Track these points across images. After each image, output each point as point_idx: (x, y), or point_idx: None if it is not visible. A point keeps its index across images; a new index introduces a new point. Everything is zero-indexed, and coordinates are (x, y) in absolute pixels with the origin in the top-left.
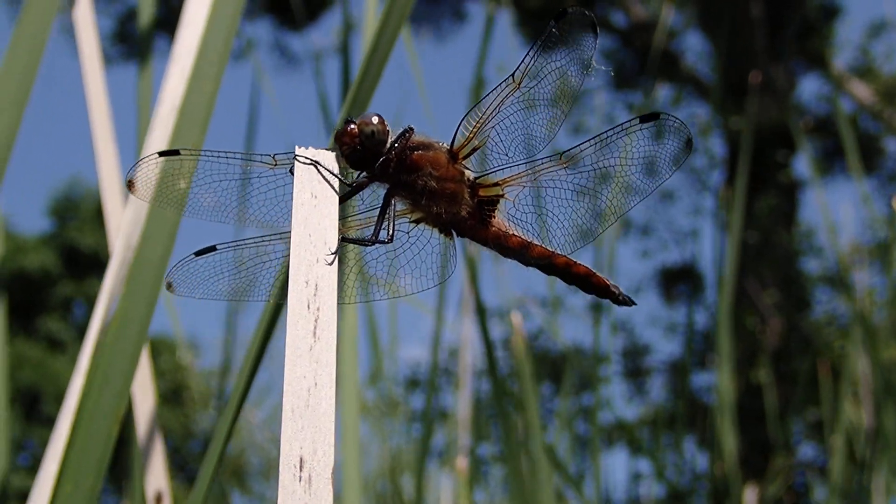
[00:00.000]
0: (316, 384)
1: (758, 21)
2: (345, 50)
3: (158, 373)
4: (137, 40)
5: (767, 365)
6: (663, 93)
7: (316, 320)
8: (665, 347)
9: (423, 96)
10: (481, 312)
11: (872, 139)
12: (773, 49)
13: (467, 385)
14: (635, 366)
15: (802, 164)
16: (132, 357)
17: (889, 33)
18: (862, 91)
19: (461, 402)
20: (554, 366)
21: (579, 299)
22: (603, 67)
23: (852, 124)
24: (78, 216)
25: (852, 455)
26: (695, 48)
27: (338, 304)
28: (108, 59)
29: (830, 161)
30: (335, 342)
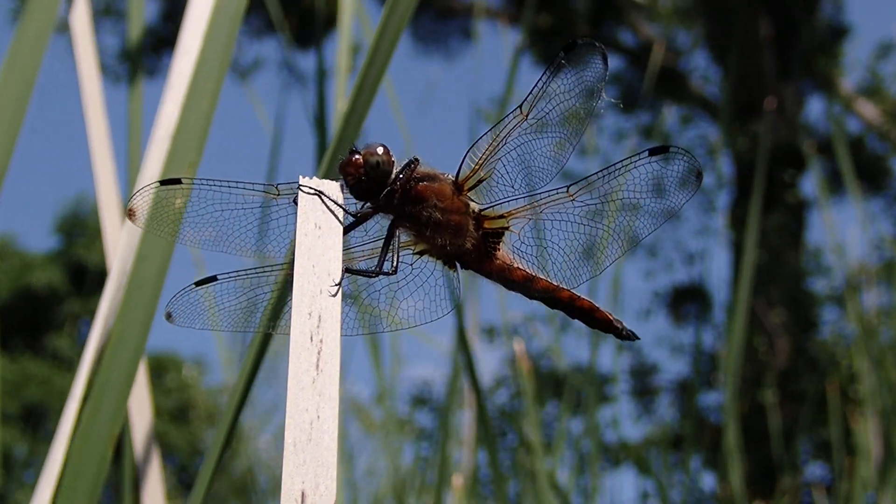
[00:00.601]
0: (318, 417)
1: (766, 41)
2: (320, 82)
3: (165, 390)
4: (131, 59)
5: (774, 385)
6: (672, 112)
7: (319, 352)
8: (672, 367)
9: (405, 133)
10: (468, 353)
11: (880, 159)
12: (782, 69)
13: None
14: (643, 385)
15: (810, 183)
16: (127, 378)
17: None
18: (870, 111)
19: (465, 422)
20: (559, 384)
21: None
22: (613, 99)
23: (859, 144)
24: (85, 233)
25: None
26: (703, 68)
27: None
28: (117, 77)
29: (838, 181)
30: (338, 375)
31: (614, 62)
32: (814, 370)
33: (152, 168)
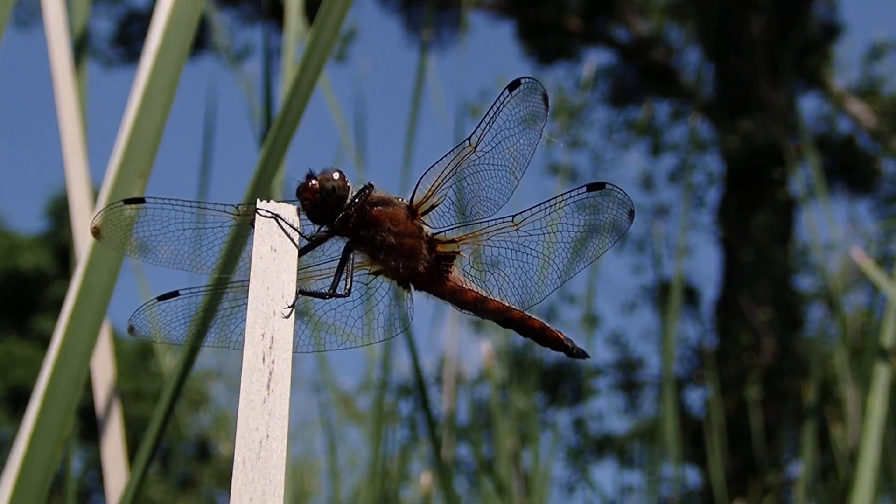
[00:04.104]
0: (268, 436)
1: (759, 39)
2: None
3: (150, 375)
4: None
5: (759, 383)
6: (662, 109)
7: (270, 373)
8: (658, 361)
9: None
10: (416, 362)
11: (871, 159)
12: (774, 67)
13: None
14: (628, 379)
15: (799, 181)
16: (76, 380)
17: (889, 55)
18: (861, 111)
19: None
20: (545, 377)
21: (574, 311)
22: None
23: (850, 144)
24: None
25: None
26: (695, 64)
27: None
28: (108, 62)
29: (829, 180)
30: (289, 395)
31: (607, 57)
32: (798, 369)
33: (110, 178)
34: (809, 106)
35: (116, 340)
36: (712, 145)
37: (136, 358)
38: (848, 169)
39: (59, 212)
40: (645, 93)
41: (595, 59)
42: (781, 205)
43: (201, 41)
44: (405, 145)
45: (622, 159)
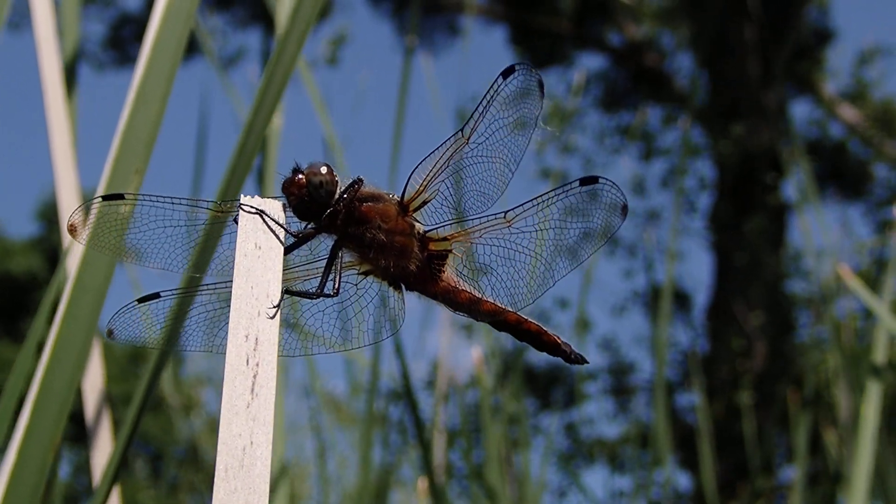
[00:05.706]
0: (252, 443)
1: (751, 44)
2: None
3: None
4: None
5: (751, 387)
6: (654, 113)
7: (254, 376)
8: (650, 366)
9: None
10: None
11: (862, 164)
12: (766, 72)
13: (442, 402)
14: (620, 384)
15: (792, 186)
16: (69, 383)
17: (880, 59)
18: (853, 115)
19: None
20: (536, 381)
21: (565, 316)
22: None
23: (842, 149)
24: None
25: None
26: (687, 69)
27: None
28: (100, 65)
29: (821, 185)
30: (274, 400)
31: (599, 61)
32: (790, 373)
33: (105, 174)
34: (801, 111)
35: (107, 345)
36: (704, 150)
37: (127, 362)
38: (840, 174)
39: (51, 216)
40: (637, 97)
41: (587, 64)
42: (774, 209)
43: (194, 45)
44: (391, 149)
45: (614, 164)
